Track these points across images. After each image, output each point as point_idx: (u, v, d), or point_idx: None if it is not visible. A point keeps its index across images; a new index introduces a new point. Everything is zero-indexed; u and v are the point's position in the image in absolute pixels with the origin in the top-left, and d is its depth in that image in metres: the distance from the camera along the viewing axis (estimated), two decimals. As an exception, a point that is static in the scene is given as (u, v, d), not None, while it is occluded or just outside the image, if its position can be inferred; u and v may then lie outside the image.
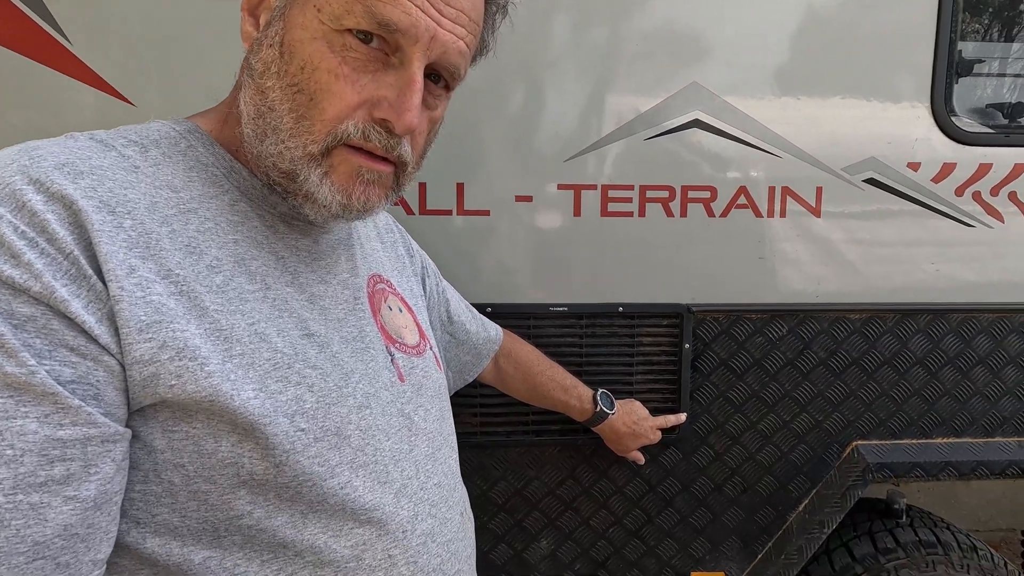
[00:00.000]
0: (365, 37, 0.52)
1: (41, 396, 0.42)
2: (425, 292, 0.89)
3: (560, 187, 1.17)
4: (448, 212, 1.17)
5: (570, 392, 1.13)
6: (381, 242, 0.79)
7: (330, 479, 0.55)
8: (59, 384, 0.43)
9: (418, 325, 0.75)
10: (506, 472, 1.26)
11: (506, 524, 1.28)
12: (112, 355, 0.46)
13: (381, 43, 0.52)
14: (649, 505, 1.30)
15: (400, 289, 0.76)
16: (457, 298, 1.00)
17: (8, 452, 0.41)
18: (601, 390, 1.17)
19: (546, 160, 1.17)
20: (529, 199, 1.18)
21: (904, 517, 1.43)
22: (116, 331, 0.46)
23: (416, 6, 0.51)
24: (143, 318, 0.47)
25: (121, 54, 1.06)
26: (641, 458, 1.24)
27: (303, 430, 0.53)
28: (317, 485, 0.54)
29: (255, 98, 0.54)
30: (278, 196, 0.59)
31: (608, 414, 1.15)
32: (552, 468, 1.27)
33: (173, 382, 0.47)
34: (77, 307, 0.44)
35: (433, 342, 0.78)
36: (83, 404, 0.44)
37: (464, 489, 0.76)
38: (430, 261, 0.95)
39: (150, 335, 0.47)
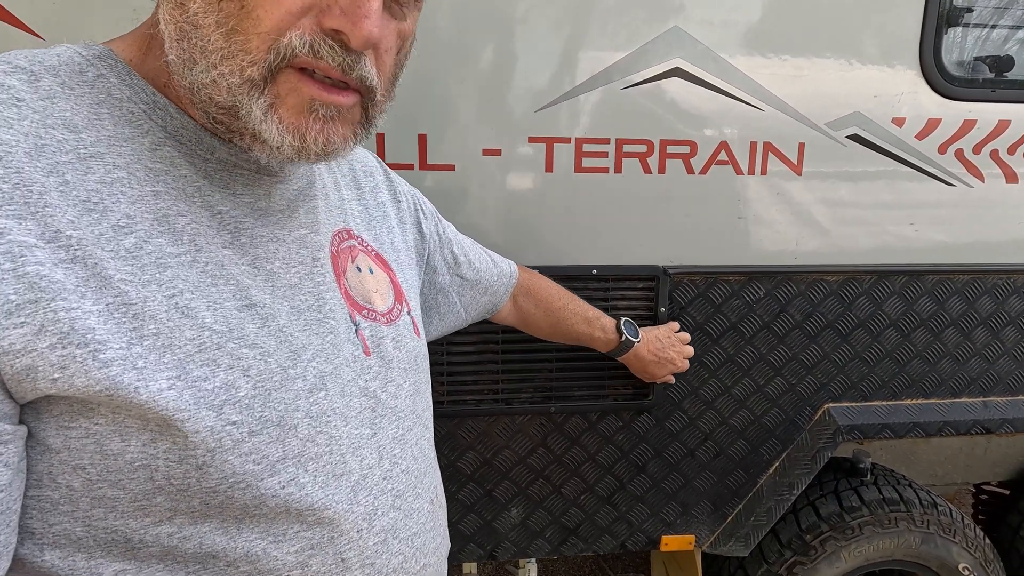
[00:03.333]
0: None
1: None
2: (424, 237, 0.79)
3: (531, 140, 1.09)
4: (410, 166, 1.07)
5: (593, 324, 1.06)
6: (357, 188, 0.68)
7: (269, 477, 0.47)
8: None
9: (395, 285, 0.65)
10: (475, 441, 1.21)
11: (475, 494, 1.24)
12: None
13: None
14: (621, 471, 1.27)
15: (377, 244, 0.66)
16: (461, 236, 0.90)
17: None
18: (624, 318, 1.10)
19: (516, 110, 1.07)
20: (498, 153, 1.09)
21: (869, 476, 1.45)
22: None
23: None
24: (13, 297, 0.38)
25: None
26: (672, 378, 1.19)
27: (234, 423, 0.45)
28: (252, 486, 0.46)
29: (174, 13, 0.43)
30: (219, 140, 0.49)
31: (634, 342, 1.08)
32: (523, 437, 1.23)
33: (56, 375, 0.39)
34: None
35: (413, 304, 0.69)
36: None
37: (437, 471, 0.69)
38: (425, 200, 0.83)
39: (23, 318, 0.38)
